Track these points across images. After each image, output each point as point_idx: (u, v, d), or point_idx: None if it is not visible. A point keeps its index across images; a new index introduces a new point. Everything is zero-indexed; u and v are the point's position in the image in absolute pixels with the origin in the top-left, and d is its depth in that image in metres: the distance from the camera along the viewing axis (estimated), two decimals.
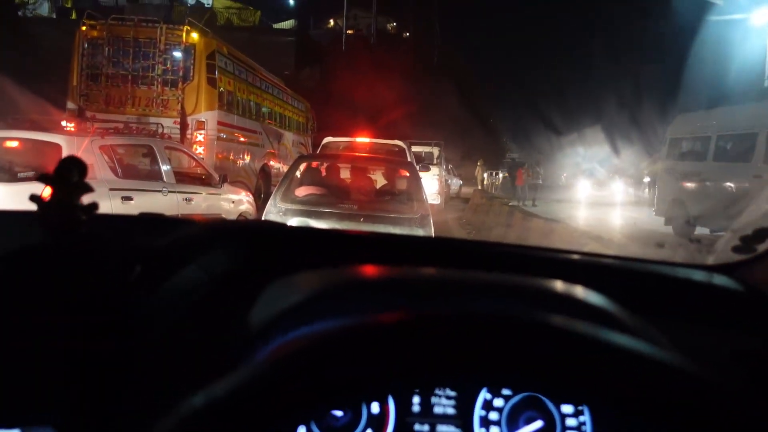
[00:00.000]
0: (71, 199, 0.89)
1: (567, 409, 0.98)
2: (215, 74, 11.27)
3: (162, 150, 7.31)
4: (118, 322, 0.84)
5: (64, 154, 5.70)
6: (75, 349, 0.81)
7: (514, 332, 0.49)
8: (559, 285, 0.92)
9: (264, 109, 14.66)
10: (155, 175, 7.12)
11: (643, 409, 0.46)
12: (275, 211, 5.21)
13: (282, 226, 1.52)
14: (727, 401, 0.46)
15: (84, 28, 10.98)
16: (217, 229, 1.30)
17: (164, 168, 7.24)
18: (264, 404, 0.45)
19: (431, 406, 0.98)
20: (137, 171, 7.26)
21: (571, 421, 0.98)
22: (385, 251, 1.20)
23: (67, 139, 5.89)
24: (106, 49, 10.92)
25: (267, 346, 0.78)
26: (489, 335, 0.49)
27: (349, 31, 40.42)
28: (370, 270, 1.04)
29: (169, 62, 11.04)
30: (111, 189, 5.84)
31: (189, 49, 11.04)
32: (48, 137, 5.87)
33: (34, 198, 0.88)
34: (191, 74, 11.03)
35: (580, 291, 0.90)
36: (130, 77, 10.98)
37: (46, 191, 0.88)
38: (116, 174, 6.28)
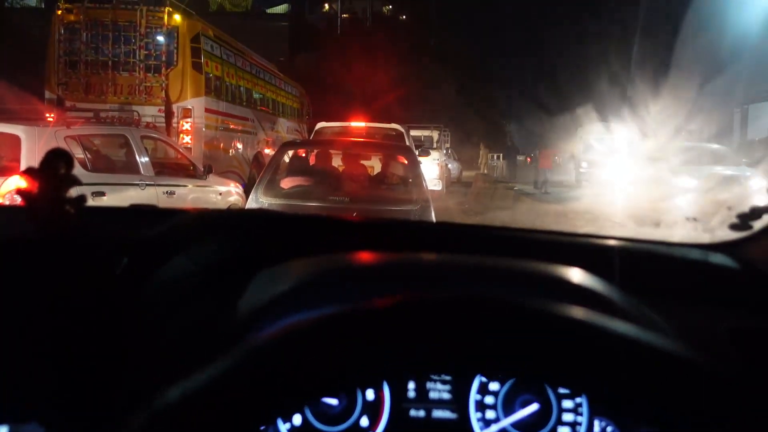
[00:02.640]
0: (58, 192, 0.87)
1: (563, 390, 0.98)
2: (201, 58, 10.68)
3: (138, 140, 6.77)
4: (105, 315, 0.85)
5: (24, 145, 5.27)
6: (63, 344, 0.81)
7: (509, 317, 0.49)
8: (555, 269, 0.90)
9: (256, 95, 14.07)
10: (132, 168, 6.62)
11: (638, 395, 0.46)
12: (257, 207, 4.65)
13: (273, 214, 1.58)
14: (722, 387, 0.46)
15: (59, 12, 10.35)
16: (206, 218, 1.29)
17: (141, 159, 6.73)
18: (245, 395, 0.44)
19: (427, 392, 0.99)
20: (111, 164, 6.74)
21: (567, 403, 0.99)
22: (380, 237, 1.17)
23: (26, 130, 5.37)
24: (84, 34, 10.32)
25: (256, 334, 0.71)
26: (483, 320, 0.49)
27: (345, 15, 39.83)
28: (363, 256, 1.00)
29: (151, 47, 10.45)
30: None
31: (172, 32, 10.45)
32: (5, 128, 5.33)
33: (21, 192, 0.86)
34: (175, 59, 10.44)
35: (576, 274, 0.88)
36: (110, 63, 10.40)
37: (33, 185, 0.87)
38: (85, 167, 5.81)
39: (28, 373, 0.80)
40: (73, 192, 0.89)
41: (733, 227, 1.18)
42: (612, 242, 1.15)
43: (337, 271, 0.91)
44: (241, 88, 12.97)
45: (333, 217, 1.33)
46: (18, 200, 0.91)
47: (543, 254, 0.99)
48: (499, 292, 0.53)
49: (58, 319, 0.82)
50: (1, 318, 0.81)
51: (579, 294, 0.85)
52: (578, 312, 0.49)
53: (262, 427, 0.44)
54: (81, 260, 0.89)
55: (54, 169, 0.87)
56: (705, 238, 1.38)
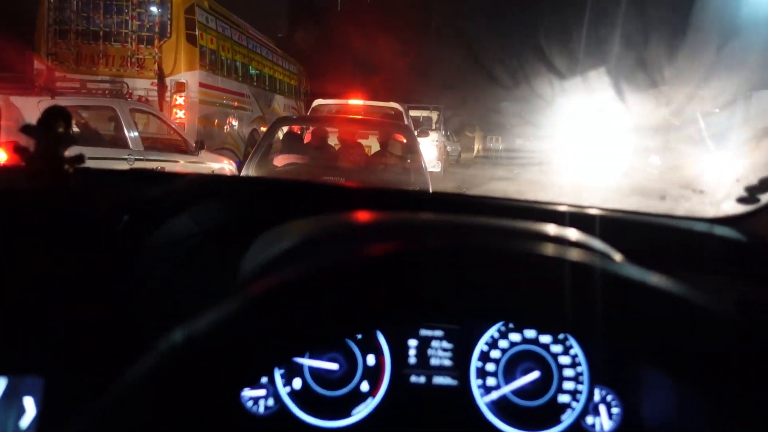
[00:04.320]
0: (57, 150, 0.86)
1: (564, 360, 1.00)
2: (195, 30, 10.33)
3: (127, 113, 6.49)
4: (105, 268, 0.85)
5: (2, 115, 4.96)
6: (61, 297, 0.81)
7: (504, 263, 0.49)
8: (554, 227, 0.85)
9: (252, 71, 13.70)
10: (120, 142, 6.34)
11: (633, 333, 0.46)
12: None
13: (274, 180, 1.62)
14: (733, 330, 0.46)
15: None
16: (207, 182, 1.28)
17: (130, 133, 6.45)
18: (248, 338, 0.44)
19: (428, 358, 0.99)
20: (98, 137, 6.45)
21: (568, 372, 1.00)
22: (377, 202, 1.13)
23: (7, 99, 5.07)
24: (75, 2, 9.98)
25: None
26: (479, 266, 0.49)
27: None
28: (362, 215, 0.96)
29: (144, 17, 10.11)
30: None
31: (165, 2, 10.10)
32: None
33: (18, 149, 0.85)
34: (168, 30, 10.10)
35: (572, 233, 0.83)
36: (101, 34, 10.07)
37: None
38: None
39: (27, 325, 0.80)
40: (72, 150, 0.88)
41: (741, 200, 1.17)
42: (614, 214, 1.10)
43: (336, 228, 0.89)
44: (237, 63, 12.61)
45: (332, 184, 1.27)
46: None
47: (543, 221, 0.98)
48: (496, 241, 0.51)
49: (58, 271, 0.83)
50: (1, 273, 0.81)
51: (574, 243, 0.81)
52: (576, 254, 0.49)
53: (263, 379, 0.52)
54: (81, 216, 0.88)
55: (52, 127, 0.86)
56: (711, 212, 1.33)
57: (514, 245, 0.50)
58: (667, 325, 0.46)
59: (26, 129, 0.87)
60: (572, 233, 0.85)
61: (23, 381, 0.77)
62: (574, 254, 0.50)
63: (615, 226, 1.07)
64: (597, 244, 0.83)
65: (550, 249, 0.51)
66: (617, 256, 0.79)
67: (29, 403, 0.76)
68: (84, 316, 0.82)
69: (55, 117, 0.87)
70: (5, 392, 0.76)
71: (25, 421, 0.76)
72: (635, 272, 0.48)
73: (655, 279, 0.48)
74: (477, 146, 28.08)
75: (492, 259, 0.50)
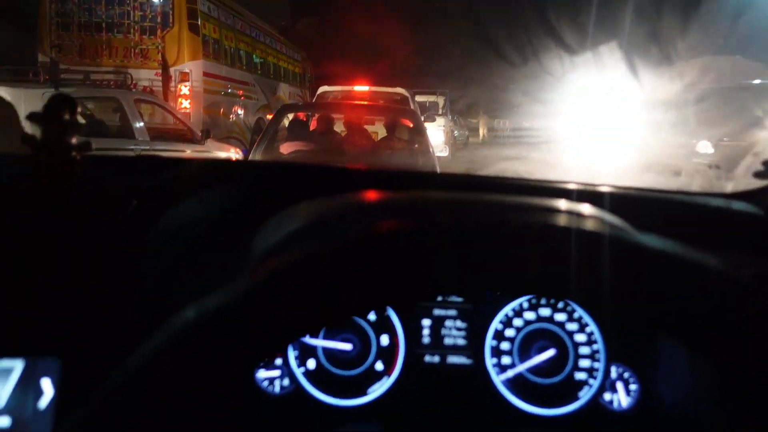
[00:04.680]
0: (64, 138, 0.86)
1: (580, 337, 0.99)
2: (197, 20, 10.29)
3: (132, 104, 6.50)
4: (117, 251, 0.86)
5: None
6: (76, 279, 0.82)
7: (516, 235, 0.49)
8: (566, 202, 0.82)
9: (256, 59, 13.65)
10: (125, 133, 6.34)
11: (652, 299, 0.45)
12: None
13: (281, 163, 1.69)
14: (748, 295, 0.45)
15: None
16: (215, 167, 1.28)
17: (136, 124, 6.46)
18: (259, 314, 0.44)
19: (441, 338, 0.99)
20: (105, 128, 6.47)
21: (584, 350, 0.98)
22: (386, 183, 1.11)
23: (11, 92, 5.09)
24: None
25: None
26: (489, 239, 0.49)
27: None
28: (372, 194, 0.95)
29: (146, 7, 10.07)
30: None
31: None
32: None
33: (26, 138, 0.86)
34: (171, 20, 10.07)
35: (585, 207, 0.84)
36: (104, 25, 10.05)
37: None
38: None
39: (43, 307, 0.81)
40: (78, 138, 0.88)
41: (757, 175, 1.15)
42: (628, 191, 1.09)
43: (346, 207, 0.89)
44: (241, 52, 12.56)
45: (340, 167, 1.24)
46: None
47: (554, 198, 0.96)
48: (504, 215, 0.51)
49: (70, 254, 0.83)
50: (16, 254, 0.82)
51: (586, 216, 0.80)
52: (592, 224, 0.49)
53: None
54: (90, 201, 0.89)
55: (59, 114, 0.86)
56: (728, 187, 1.29)
57: (525, 218, 0.50)
58: (683, 291, 0.45)
59: (32, 117, 0.88)
60: (585, 208, 0.84)
61: (40, 363, 0.78)
62: (587, 224, 0.49)
63: (629, 203, 1.05)
64: (610, 218, 0.82)
65: (562, 220, 0.51)
66: (631, 230, 0.76)
67: (47, 385, 0.77)
68: (97, 299, 0.82)
69: (60, 105, 0.88)
70: (23, 374, 0.77)
71: (43, 402, 0.76)
72: (650, 240, 0.48)
73: (670, 245, 0.48)
74: (482, 131, 27.92)
75: (503, 232, 0.49)
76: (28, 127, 0.90)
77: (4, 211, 0.85)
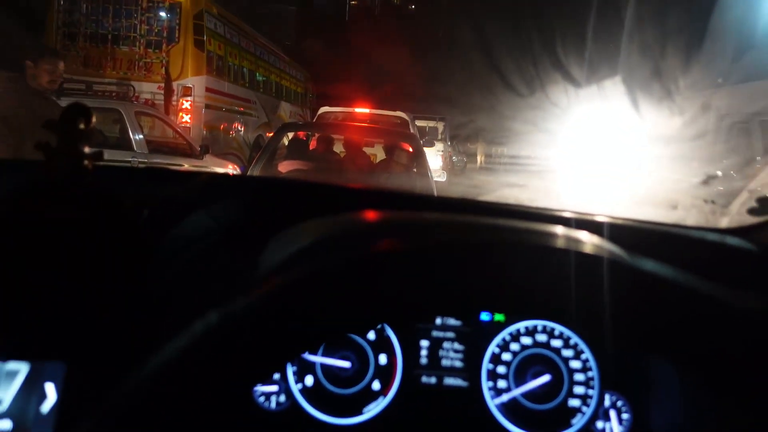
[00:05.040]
0: (77, 146, 0.87)
1: (575, 364, 1.00)
2: (203, 36, 10.38)
3: (132, 116, 6.51)
4: (127, 259, 0.87)
5: None
6: (84, 286, 0.82)
7: (511, 257, 0.50)
8: (563, 229, 0.82)
9: (259, 77, 13.74)
10: (124, 144, 6.34)
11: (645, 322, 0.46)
12: None
13: (289, 180, 1.61)
14: (745, 324, 0.46)
15: None
16: (224, 181, 1.36)
17: (135, 136, 6.47)
18: (267, 326, 0.46)
19: (439, 359, 1.00)
20: (103, 139, 6.46)
21: (579, 377, 1.00)
22: (387, 203, 1.14)
23: None
24: (84, 5, 10.03)
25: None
26: (487, 260, 0.49)
27: (353, 2, 39.35)
28: (373, 215, 0.97)
29: (152, 21, 10.14)
30: None
31: (174, 8, 10.13)
32: None
33: (40, 145, 0.87)
34: (176, 35, 10.13)
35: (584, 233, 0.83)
36: (110, 37, 10.10)
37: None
38: None
39: (49, 312, 0.81)
40: (91, 148, 0.90)
41: (752, 212, 1.17)
42: (625, 222, 1.10)
43: (353, 226, 0.90)
44: (244, 69, 12.65)
45: (345, 186, 1.27)
46: None
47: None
48: (500, 237, 0.54)
49: (79, 260, 0.84)
50: (24, 258, 0.82)
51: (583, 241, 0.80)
52: (590, 247, 0.50)
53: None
54: (102, 209, 0.90)
55: (73, 124, 0.88)
56: (723, 222, 1.21)
57: (522, 239, 0.53)
58: (686, 317, 0.46)
59: (48, 125, 0.89)
60: (582, 234, 0.85)
61: (45, 366, 0.78)
62: (585, 247, 0.51)
63: (626, 233, 1.06)
64: (608, 245, 0.82)
65: (560, 242, 0.53)
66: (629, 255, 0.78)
67: (50, 389, 0.77)
68: (105, 305, 0.83)
69: (76, 114, 0.89)
70: (27, 377, 0.77)
71: (46, 406, 0.76)
72: (650, 265, 0.50)
73: (669, 271, 0.49)
74: (480, 157, 28.00)
75: (500, 253, 0.51)
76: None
77: (15, 215, 0.86)
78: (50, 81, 3.57)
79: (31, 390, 0.76)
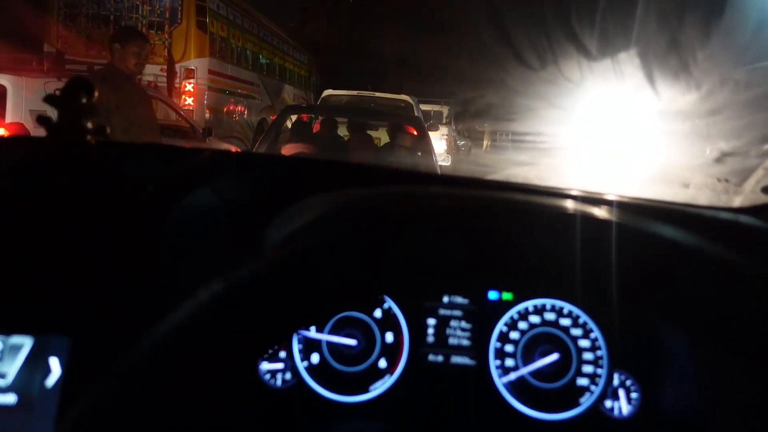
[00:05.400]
0: (79, 121, 0.87)
1: (584, 343, 0.99)
2: (206, 17, 10.29)
3: None
4: (131, 232, 0.87)
5: (9, 96, 4.98)
6: (89, 260, 0.82)
7: (517, 225, 0.49)
8: (573, 203, 0.80)
9: (262, 60, 13.66)
10: None
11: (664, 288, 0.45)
12: None
13: (293, 158, 1.70)
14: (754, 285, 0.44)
15: None
16: (228, 157, 1.30)
17: None
18: (284, 291, 0.45)
19: (446, 337, 1.00)
20: (106, 118, 6.44)
21: (587, 356, 0.99)
22: (390, 180, 1.13)
23: (12, 80, 5.07)
24: None
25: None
26: (488, 234, 0.48)
27: None
28: (378, 189, 0.95)
29: (155, 2, 10.07)
30: None
31: None
32: None
33: (42, 119, 0.87)
34: (179, 16, 10.06)
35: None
36: (112, 18, 10.03)
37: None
38: None
39: (53, 285, 0.81)
40: (94, 122, 0.89)
41: (766, 190, 1.15)
42: (637, 201, 1.09)
43: (353, 201, 0.90)
44: (248, 52, 12.58)
45: (350, 163, 1.31)
46: None
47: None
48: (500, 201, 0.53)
49: (84, 234, 0.84)
50: (28, 232, 0.82)
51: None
52: (600, 212, 0.50)
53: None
54: (106, 183, 0.90)
55: (75, 98, 0.87)
56: (736, 201, 1.29)
57: (531, 212, 0.51)
58: (696, 281, 0.46)
59: (50, 99, 0.88)
60: (592, 209, 0.84)
61: (49, 340, 0.77)
62: (594, 218, 0.51)
63: (636, 213, 1.05)
64: (617, 219, 0.81)
65: (569, 215, 0.53)
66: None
67: (54, 363, 0.76)
68: (109, 279, 0.82)
69: (78, 88, 0.88)
70: (32, 351, 0.77)
71: (51, 380, 0.76)
72: (660, 228, 0.48)
73: (681, 235, 0.49)
74: (486, 141, 27.94)
75: (508, 225, 0.50)
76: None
77: (18, 190, 0.85)
78: (137, 64, 3.57)
79: (36, 364, 0.76)
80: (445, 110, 16.57)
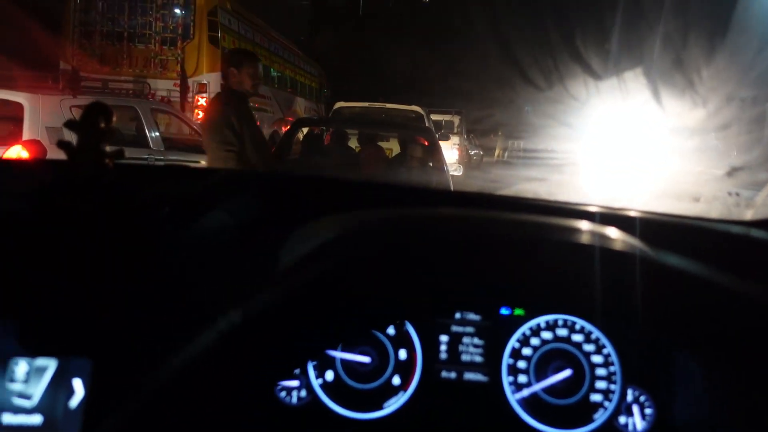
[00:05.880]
0: (98, 145, 0.89)
1: (597, 359, 0.99)
2: (218, 32, 10.44)
3: (148, 113, 6.56)
4: (150, 256, 0.89)
5: (26, 113, 5.06)
6: (109, 283, 0.84)
7: (534, 252, 0.51)
8: (587, 224, 0.84)
9: (273, 73, 13.79)
10: (141, 141, 6.39)
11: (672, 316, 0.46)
12: None
13: (308, 176, 1.56)
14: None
15: None
16: (242, 178, 1.34)
17: (151, 133, 6.51)
18: (300, 319, 0.47)
19: (459, 354, 1.00)
20: (120, 136, 6.51)
21: (600, 371, 0.99)
22: (405, 199, 1.14)
23: (29, 98, 5.15)
24: (100, 4, 10.14)
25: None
26: (506, 254, 0.51)
27: None
28: (392, 211, 0.95)
29: (167, 19, 10.24)
30: None
31: (189, 5, 10.23)
32: (8, 95, 5.13)
33: (62, 144, 0.89)
34: (191, 32, 10.22)
35: (610, 228, 0.83)
36: (125, 35, 10.20)
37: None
38: None
39: (76, 308, 0.82)
40: (112, 147, 0.91)
41: None
42: (648, 216, 1.07)
43: (367, 222, 0.91)
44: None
45: (362, 181, 1.33)
46: None
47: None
48: (513, 233, 0.52)
49: (104, 257, 0.85)
50: (50, 257, 0.83)
51: (607, 236, 0.79)
52: (618, 243, 0.51)
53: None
54: (124, 206, 0.91)
55: (95, 122, 0.88)
56: (747, 215, 1.28)
57: (546, 235, 0.51)
58: (709, 312, 0.46)
59: (69, 124, 0.90)
60: (608, 230, 0.85)
61: (72, 362, 0.79)
62: (613, 243, 0.50)
63: (648, 228, 1.04)
64: (634, 240, 0.82)
65: (586, 238, 0.51)
66: (656, 251, 0.77)
67: (78, 385, 0.78)
68: (128, 302, 0.84)
69: (97, 113, 0.90)
70: (55, 373, 0.78)
71: (74, 401, 0.78)
72: (675, 260, 0.49)
73: (695, 267, 0.48)
74: (498, 150, 27.87)
75: (523, 248, 0.50)
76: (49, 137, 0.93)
77: (39, 213, 0.87)
78: (253, 85, 3.63)
79: (60, 386, 0.77)
80: (456, 120, 16.55)
